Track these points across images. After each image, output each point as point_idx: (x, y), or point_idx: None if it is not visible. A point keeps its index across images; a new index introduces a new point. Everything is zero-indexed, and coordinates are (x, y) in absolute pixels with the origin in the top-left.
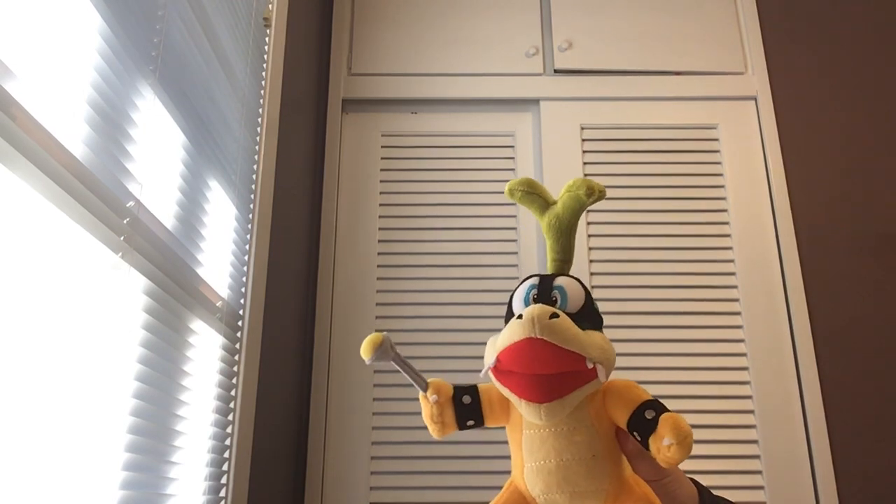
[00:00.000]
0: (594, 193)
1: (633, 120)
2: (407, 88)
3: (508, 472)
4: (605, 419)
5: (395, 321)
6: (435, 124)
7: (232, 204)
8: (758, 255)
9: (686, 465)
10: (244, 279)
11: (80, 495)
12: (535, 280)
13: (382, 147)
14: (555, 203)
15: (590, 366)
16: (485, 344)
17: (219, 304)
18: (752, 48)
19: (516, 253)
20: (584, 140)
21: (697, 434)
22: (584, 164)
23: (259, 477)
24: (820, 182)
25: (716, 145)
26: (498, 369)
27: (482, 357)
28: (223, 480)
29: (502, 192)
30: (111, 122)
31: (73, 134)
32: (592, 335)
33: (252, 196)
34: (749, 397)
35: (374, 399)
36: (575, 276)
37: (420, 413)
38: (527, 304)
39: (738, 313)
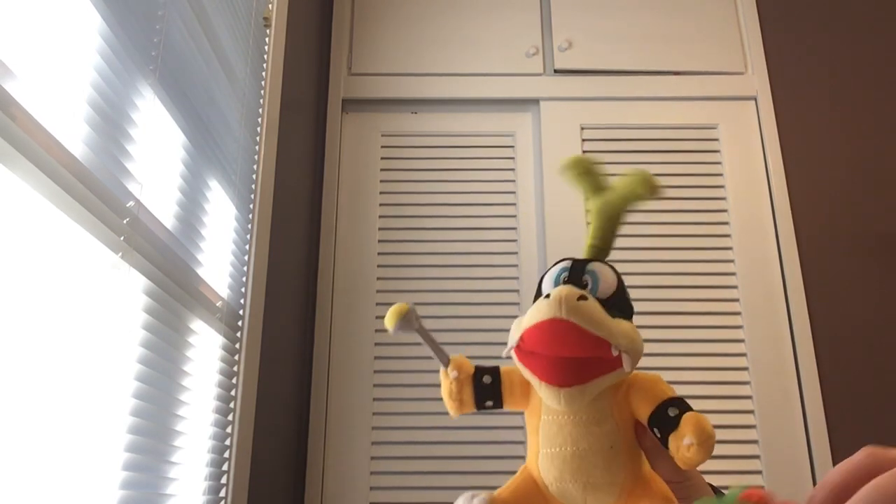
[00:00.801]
0: (653, 190)
1: (633, 120)
2: (407, 88)
3: (509, 472)
4: (626, 412)
5: None
6: (435, 124)
7: (232, 204)
8: (758, 255)
9: None
10: (244, 279)
11: (81, 495)
12: (567, 263)
13: (382, 147)
14: (608, 187)
15: (615, 353)
16: (485, 343)
17: (219, 304)
18: (752, 48)
19: (516, 253)
20: (584, 140)
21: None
22: None
23: (259, 477)
24: (820, 182)
25: (716, 145)
26: (521, 349)
27: (483, 357)
28: (223, 480)
29: (502, 192)
30: (111, 122)
31: (73, 134)
32: (621, 323)
33: (252, 196)
34: (749, 397)
35: (374, 399)
36: (609, 263)
37: (420, 413)
38: (557, 285)
39: (738, 313)
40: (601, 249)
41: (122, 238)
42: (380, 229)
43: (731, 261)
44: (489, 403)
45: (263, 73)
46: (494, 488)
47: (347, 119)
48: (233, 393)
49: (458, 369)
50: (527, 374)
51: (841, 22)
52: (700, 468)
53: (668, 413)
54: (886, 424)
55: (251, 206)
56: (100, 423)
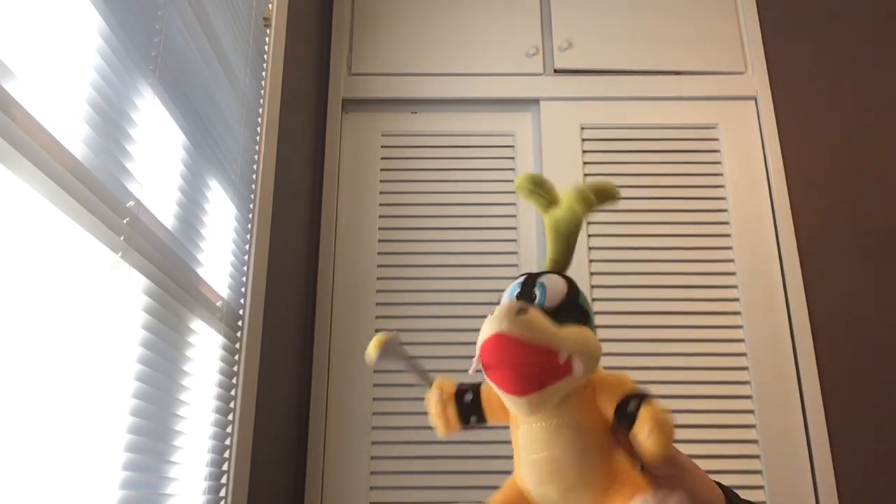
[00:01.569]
0: (591, 204)
1: (633, 120)
2: (407, 88)
3: (508, 472)
4: (595, 413)
5: (395, 321)
6: (435, 124)
7: (232, 204)
8: (758, 254)
9: None
10: (244, 279)
11: (81, 495)
12: (522, 278)
13: (382, 147)
14: (558, 204)
15: (563, 357)
16: None
17: (219, 304)
18: (752, 48)
19: (516, 253)
20: (584, 140)
21: (697, 434)
22: (584, 164)
23: (259, 477)
24: (820, 182)
25: (716, 145)
26: (482, 364)
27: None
28: (223, 480)
29: (502, 192)
30: (111, 122)
31: (73, 134)
32: (569, 330)
33: (252, 196)
34: (749, 397)
35: (374, 399)
36: (565, 274)
37: (420, 413)
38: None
39: (738, 313)
40: (558, 262)
41: (122, 238)
42: (380, 229)
43: (731, 261)
44: (473, 419)
45: (263, 73)
46: (493, 489)
47: (347, 119)
48: (233, 393)
49: (440, 390)
50: (493, 387)
51: (841, 22)
52: (700, 468)
53: (628, 409)
54: (886, 424)
55: (251, 206)
56: (100, 423)
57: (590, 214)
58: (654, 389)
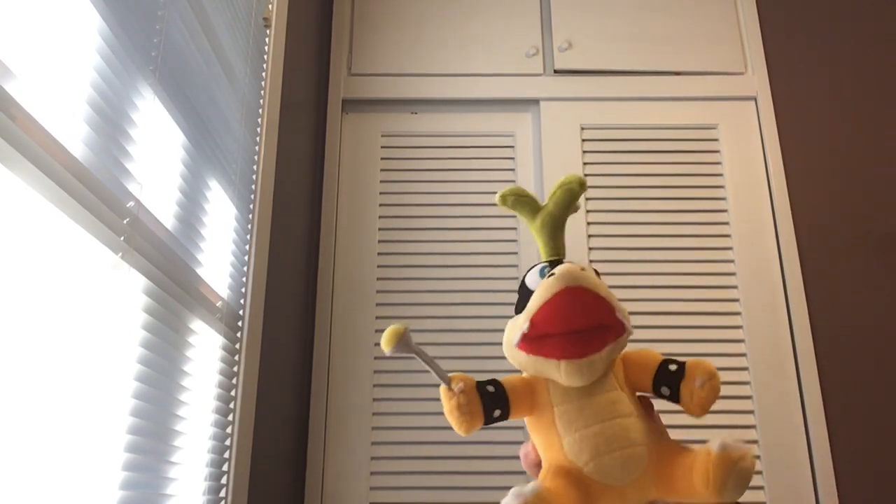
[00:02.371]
0: (583, 186)
1: (633, 120)
2: (407, 88)
3: (509, 472)
4: (627, 387)
5: (394, 321)
6: (435, 124)
7: (232, 204)
8: (758, 255)
9: None
10: (244, 279)
11: (81, 495)
12: (544, 264)
13: (382, 147)
14: (542, 205)
15: (619, 316)
16: (484, 343)
17: (219, 304)
18: (752, 48)
19: (516, 253)
20: (584, 140)
21: (697, 433)
22: (584, 164)
23: (259, 477)
24: (820, 182)
25: (716, 145)
26: (529, 338)
27: (483, 357)
28: (223, 480)
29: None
30: (111, 122)
31: (73, 134)
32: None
33: (252, 196)
34: (749, 397)
35: (374, 399)
36: None
37: (420, 413)
38: (543, 278)
39: (738, 313)
40: (560, 257)
41: (122, 238)
42: (380, 229)
43: (731, 261)
44: (497, 413)
45: (263, 73)
46: (493, 490)
47: (347, 119)
48: (233, 393)
49: (463, 381)
50: (539, 363)
51: (841, 22)
52: None
53: (670, 368)
54: (886, 424)
55: (251, 206)
56: (99, 424)
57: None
58: None
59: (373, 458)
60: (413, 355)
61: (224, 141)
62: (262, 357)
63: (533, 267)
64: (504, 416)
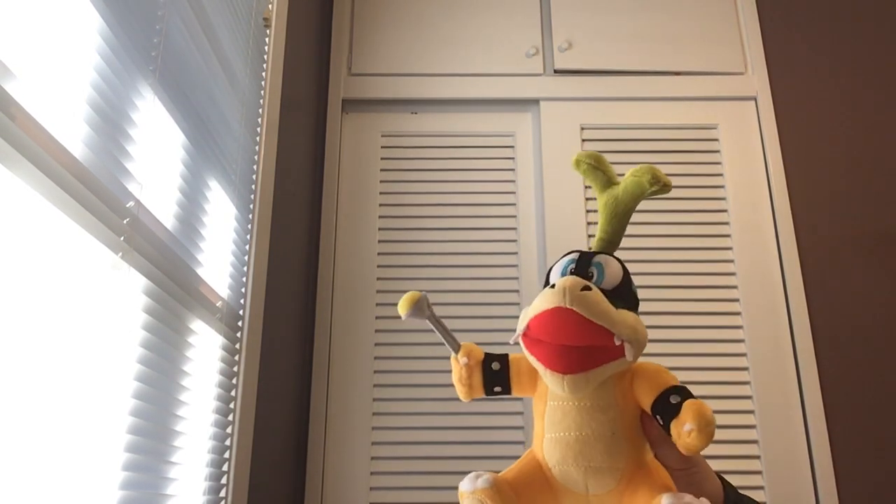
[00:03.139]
0: (658, 183)
1: (633, 120)
2: (407, 88)
3: None
4: (630, 400)
5: (394, 321)
6: (435, 124)
7: (232, 204)
8: (758, 254)
9: None
10: (244, 279)
11: (81, 495)
12: (575, 255)
13: (382, 147)
14: (617, 183)
15: (617, 342)
16: (484, 343)
17: (219, 304)
18: (752, 48)
19: (516, 253)
20: (584, 140)
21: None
22: None
23: (259, 477)
24: (820, 182)
25: (716, 145)
26: (528, 336)
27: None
28: (223, 480)
29: (502, 193)
30: (111, 122)
31: (73, 134)
32: (624, 313)
33: (252, 196)
34: (749, 397)
35: (374, 399)
36: (616, 256)
37: (420, 413)
38: (564, 276)
39: (738, 313)
40: (609, 242)
41: (122, 238)
42: (380, 229)
43: (731, 261)
44: (498, 389)
45: (263, 73)
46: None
47: (347, 119)
48: (233, 393)
49: (468, 355)
50: (533, 361)
51: (841, 22)
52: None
53: (670, 400)
54: (886, 424)
55: (251, 206)
56: (99, 424)
57: (649, 196)
58: None
59: (373, 458)
60: (426, 321)
61: (224, 141)
62: (262, 357)
63: (566, 255)
64: (506, 392)
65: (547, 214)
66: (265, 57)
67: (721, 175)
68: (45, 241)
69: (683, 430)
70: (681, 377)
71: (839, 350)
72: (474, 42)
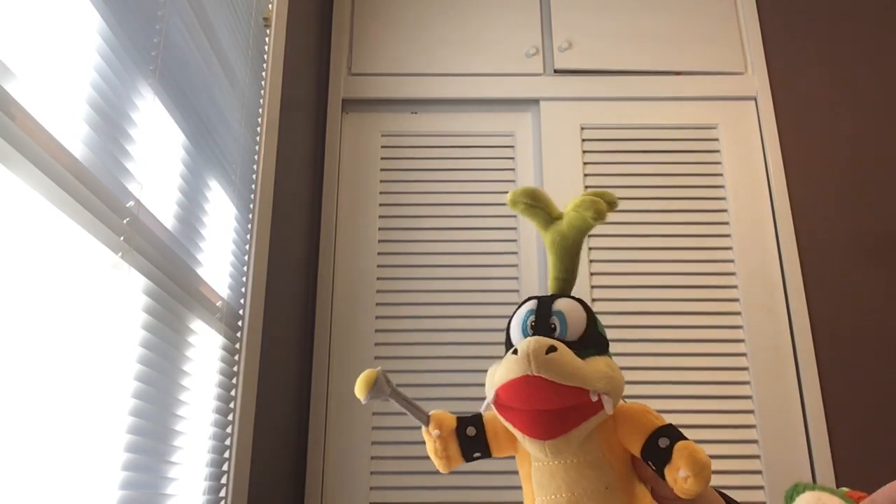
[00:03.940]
0: (601, 217)
1: (633, 120)
2: (407, 88)
3: (508, 473)
4: (617, 447)
5: (394, 321)
6: (435, 124)
7: (232, 204)
8: (758, 255)
9: None
10: (244, 279)
11: (81, 495)
12: (532, 305)
13: (382, 147)
14: (560, 218)
15: (594, 398)
16: (484, 343)
17: (219, 304)
18: (752, 48)
19: (516, 253)
20: (583, 140)
21: (697, 434)
22: (584, 164)
23: (259, 477)
24: (820, 182)
25: (716, 145)
26: (499, 403)
27: (483, 359)
28: (223, 480)
29: (502, 193)
30: (111, 122)
31: (73, 134)
32: (596, 363)
33: (252, 196)
34: (749, 397)
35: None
36: (576, 297)
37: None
38: (524, 332)
39: (738, 313)
40: (566, 281)
41: (122, 238)
42: (380, 229)
43: (731, 261)
44: (477, 455)
45: (263, 73)
46: (494, 489)
47: (347, 119)
48: (233, 393)
49: (440, 426)
50: (509, 426)
51: (841, 22)
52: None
53: (659, 444)
54: (886, 424)
55: (251, 206)
56: (99, 424)
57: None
58: (653, 390)
59: (373, 458)
60: (389, 398)
61: (224, 141)
62: (262, 357)
63: (523, 304)
64: (486, 457)
65: None
66: (265, 57)
67: (721, 175)
68: (45, 240)
69: (679, 477)
70: (681, 377)
71: (839, 350)
72: (474, 42)
